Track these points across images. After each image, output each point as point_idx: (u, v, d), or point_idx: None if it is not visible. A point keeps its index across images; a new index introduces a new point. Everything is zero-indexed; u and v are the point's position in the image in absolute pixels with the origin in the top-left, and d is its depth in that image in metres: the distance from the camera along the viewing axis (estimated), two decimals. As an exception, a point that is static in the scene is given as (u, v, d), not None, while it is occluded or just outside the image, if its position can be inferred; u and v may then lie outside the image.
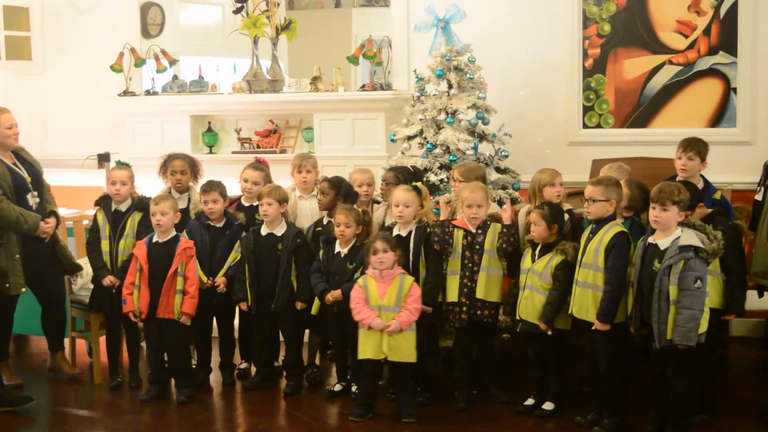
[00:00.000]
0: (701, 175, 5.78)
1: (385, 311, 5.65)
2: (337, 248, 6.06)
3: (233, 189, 6.69)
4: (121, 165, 6.48)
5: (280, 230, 6.21)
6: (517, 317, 5.73)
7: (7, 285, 6.16)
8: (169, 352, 6.23)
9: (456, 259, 5.84)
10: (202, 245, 6.31)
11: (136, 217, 6.34)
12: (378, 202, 6.59)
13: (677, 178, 5.68)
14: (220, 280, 6.30)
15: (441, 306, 5.91)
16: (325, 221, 6.35)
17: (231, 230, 6.39)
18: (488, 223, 5.86)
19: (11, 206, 6.14)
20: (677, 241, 5.00)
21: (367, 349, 5.67)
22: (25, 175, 6.33)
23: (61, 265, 6.55)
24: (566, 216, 5.82)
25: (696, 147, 5.72)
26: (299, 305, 6.17)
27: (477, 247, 5.81)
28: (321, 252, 6.13)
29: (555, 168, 6.06)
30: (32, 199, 6.33)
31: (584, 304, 5.34)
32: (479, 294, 5.77)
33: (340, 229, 5.98)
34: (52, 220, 6.41)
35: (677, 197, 5.03)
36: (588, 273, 5.32)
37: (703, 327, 5.01)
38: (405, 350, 5.65)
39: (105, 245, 6.32)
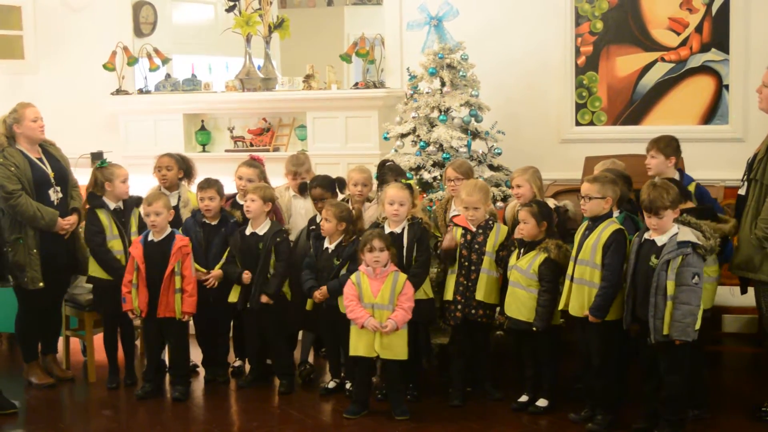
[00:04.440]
0: (678, 169, 5.83)
1: (378, 309, 5.65)
2: (326, 244, 6.07)
3: (228, 187, 6.68)
4: (114, 165, 6.47)
5: (262, 229, 6.20)
6: (504, 314, 5.75)
7: (25, 279, 6.21)
8: (171, 350, 6.26)
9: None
10: (197, 242, 6.32)
11: (137, 213, 6.35)
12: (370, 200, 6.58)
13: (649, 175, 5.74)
14: (214, 273, 6.28)
15: (435, 303, 5.93)
16: (318, 219, 6.36)
17: (226, 228, 6.38)
18: (491, 223, 5.86)
19: (28, 201, 6.18)
20: (675, 237, 5.04)
21: (359, 346, 5.68)
22: (49, 170, 6.37)
23: (77, 264, 6.52)
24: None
25: (656, 145, 5.81)
26: (264, 299, 6.11)
27: (476, 246, 5.82)
28: (311, 248, 6.14)
29: (547, 165, 6.07)
30: (54, 194, 6.36)
31: (580, 301, 5.34)
32: (479, 296, 5.78)
33: (321, 223, 6.01)
34: (72, 217, 6.41)
35: (668, 201, 5.06)
36: (585, 270, 5.32)
37: (697, 324, 5.03)
38: (397, 348, 5.66)
39: (117, 245, 6.28)
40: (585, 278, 5.32)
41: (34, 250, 6.23)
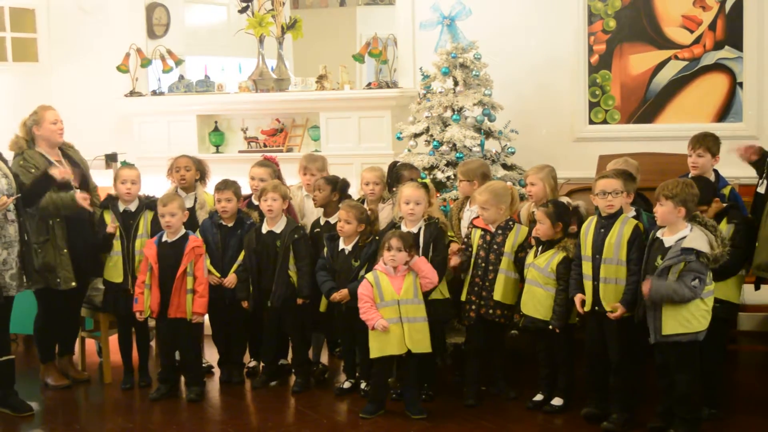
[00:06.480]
0: (714, 170, 5.74)
1: (404, 304, 5.63)
2: (341, 245, 6.06)
3: (245, 189, 6.69)
4: (128, 165, 6.50)
5: (279, 227, 6.21)
6: (520, 312, 5.74)
7: (57, 280, 6.22)
8: (181, 351, 6.27)
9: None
10: (213, 244, 6.33)
11: (148, 216, 6.34)
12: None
13: (689, 175, 5.67)
14: (230, 277, 6.31)
15: (451, 302, 5.93)
16: (322, 221, 6.36)
17: (242, 229, 6.37)
18: (510, 224, 5.85)
19: (45, 195, 6.12)
20: (681, 242, 4.97)
21: (387, 347, 5.64)
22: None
23: (96, 266, 6.50)
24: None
25: (705, 143, 5.68)
26: (300, 301, 6.17)
27: (495, 247, 5.80)
28: (325, 249, 6.13)
29: (561, 164, 6.06)
30: None
31: (611, 300, 5.28)
32: (497, 296, 5.76)
33: (340, 225, 6.00)
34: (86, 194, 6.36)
35: (670, 192, 5.00)
36: (609, 268, 5.27)
37: (702, 325, 5.00)
38: (425, 341, 5.65)
39: (117, 246, 6.31)
40: (610, 276, 5.27)
41: (65, 251, 6.24)
